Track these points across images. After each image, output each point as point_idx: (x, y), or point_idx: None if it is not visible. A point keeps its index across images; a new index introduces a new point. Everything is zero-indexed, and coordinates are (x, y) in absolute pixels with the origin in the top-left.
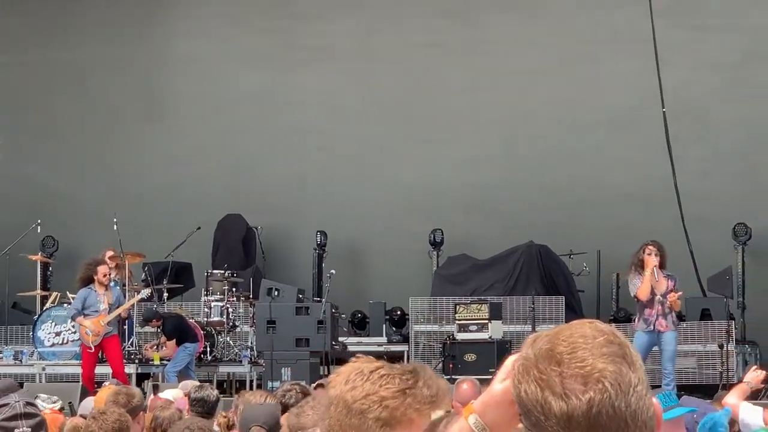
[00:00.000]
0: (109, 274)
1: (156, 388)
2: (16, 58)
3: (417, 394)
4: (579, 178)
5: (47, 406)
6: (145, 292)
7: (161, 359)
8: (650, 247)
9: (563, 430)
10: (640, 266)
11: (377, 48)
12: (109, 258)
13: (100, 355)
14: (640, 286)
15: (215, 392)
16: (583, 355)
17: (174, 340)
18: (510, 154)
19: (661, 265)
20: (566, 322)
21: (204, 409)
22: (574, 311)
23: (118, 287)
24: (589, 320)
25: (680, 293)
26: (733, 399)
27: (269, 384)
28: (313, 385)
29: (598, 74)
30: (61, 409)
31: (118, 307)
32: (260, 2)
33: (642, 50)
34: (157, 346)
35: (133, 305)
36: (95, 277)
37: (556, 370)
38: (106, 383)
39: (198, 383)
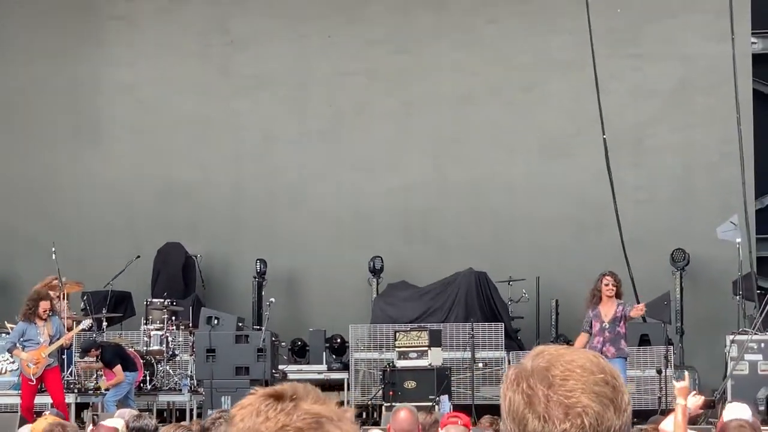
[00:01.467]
0: (50, 308)
1: (96, 418)
2: None
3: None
4: (515, 205)
5: None
6: (86, 323)
7: (98, 387)
8: (607, 278)
9: None
10: (599, 297)
11: (311, 75)
12: (50, 287)
13: (39, 385)
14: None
15: (153, 421)
16: (574, 385)
17: (119, 366)
18: (445, 181)
19: (617, 295)
20: (506, 348)
21: None
22: (510, 338)
23: (57, 318)
24: (596, 354)
25: (642, 305)
26: (668, 426)
27: (209, 413)
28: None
29: (532, 100)
30: None
31: (59, 338)
32: (195, 29)
33: (577, 77)
34: (97, 377)
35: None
36: (36, 311)
37: (544, 391)
38: (46, 413)
39: (136, 412)
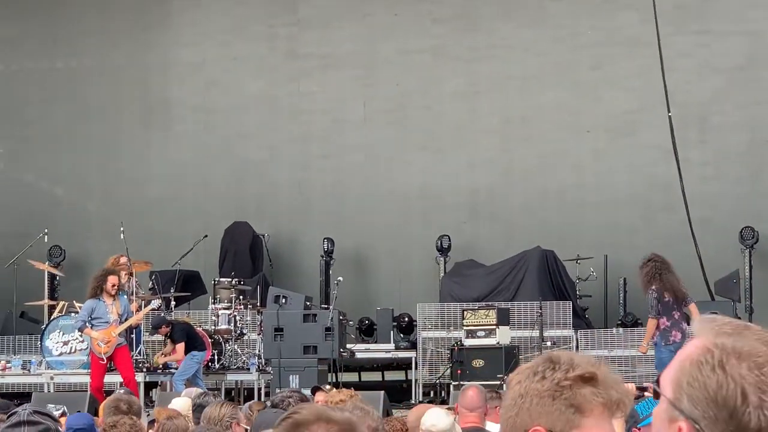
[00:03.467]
0: (118, 284)
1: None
2: (14, 66)
3: (600, 387)
4: (582, 183)
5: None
6: (156, 303)
7: (167, 365)
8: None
9: None
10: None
11: (378, 55)
12: (118, 266)
13: (108, 364)
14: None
15: (216, 399)
16: None
17: (183, 344)
18: (512, 159)
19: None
20: (574, 327)
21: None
22: (578, 316)
23: (125, 297)
24: None
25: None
26: None
27: (277, 391)
28: (310, 390)
29: (599, 79)
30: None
31: (127, 317)
32: (262, 10)
33: (642, 54)
34: (167, 354)
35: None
36: (104, 287)
37: (757, 376)
38: (119, 391)
39: (201, 391)
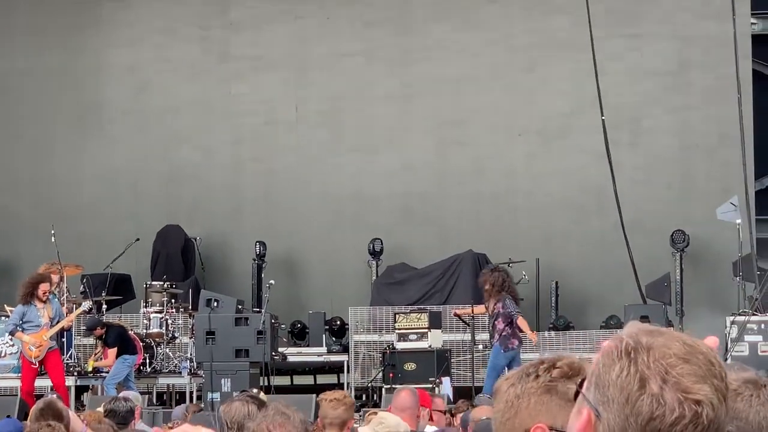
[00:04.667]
0: (49, 290)
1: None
2: None
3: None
4: (516, 187)
5: None
6: (87, 305)
7: (97, 369)
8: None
9: None
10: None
11: (310, 57)
12: (50, 270)
13: (40, 368)
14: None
15: (129, 404)
16: (696, 371)
17: (115, 349)
18: (446, 162)
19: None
20: None
21: (117, 420)
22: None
23: (56, 300)
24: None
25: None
26: None
27: (209, 395)
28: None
29: (531, 82)
30: None
31: (59, 321)
32: (195, 12)
33: (575, 58)
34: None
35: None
36: (35, 293)
37: (662, 371)
38: (48, 396)
39: (137, 394)
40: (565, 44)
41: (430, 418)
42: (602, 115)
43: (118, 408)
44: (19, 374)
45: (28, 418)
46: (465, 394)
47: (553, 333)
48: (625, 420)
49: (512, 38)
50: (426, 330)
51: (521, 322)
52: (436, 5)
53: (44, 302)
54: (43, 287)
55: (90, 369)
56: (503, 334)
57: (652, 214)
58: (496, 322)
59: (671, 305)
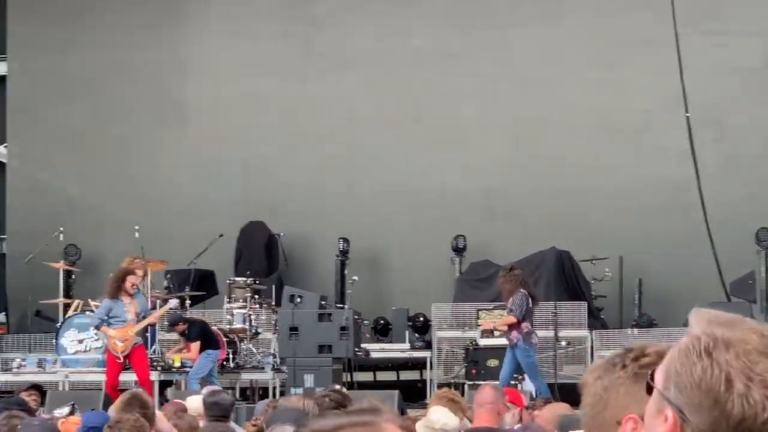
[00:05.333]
0: (136, 285)
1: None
2: (30, 64)
3: None
4: (596, 183)
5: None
6: (174, 302)
7: (182, 363)
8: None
9: None
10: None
11: (392, 54)
12: (136, 264)
13: (124, 363)
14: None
15: (230, 397)
16: None
17: (198, 343)
18: (527, 159)
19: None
20: (589, 327)
21: (219, 412)
22: (593, 317)
23: (142, 296)
24: None
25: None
26: None
27: (292, 391)
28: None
29: (613, 78)
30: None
31: (145, 317)
32: (277, 9)
33: (658, 55)
34: (180, 351)
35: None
36: (123, 287)
37: (746, 367)
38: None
39: (213, 388)
40: (648, 40)
41: (520, 419)
42: (686, 112)
43: (222, 401)
44: (104, 368)
45: (114, 408)
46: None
47: (636, 330)
48: (715, 422)
49: (593, 34)
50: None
51: (508, 319)
52: (516, 3)
53: (131, 296)
54: (131, 280)
55: (177, 364)
56: (525, 331)
57: (737, 211)
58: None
59: (756, 303)
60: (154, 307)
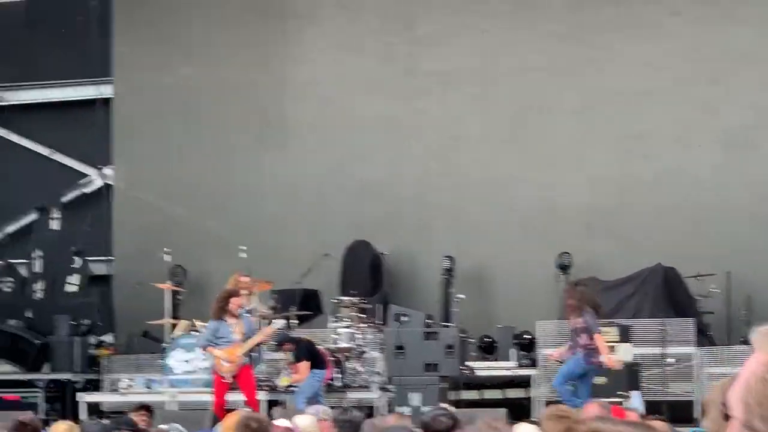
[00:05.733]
0: (241, 306)
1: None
2: (135, 86)
3: None
4: (700, 198)
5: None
6: (280, 322)
7: (290, 384)
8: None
9: None
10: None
11: (495, 71)
12: (241, 286)
13: (231, 383)
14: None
15: (361, 413)
16: None
17: (307, 363)
18: (631, 176)
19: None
20: (697, 344)
21: (352, 430)
22: (701, 333)
23: (249, 316)
24: None
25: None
26: None
27: (398, 410)
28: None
29: (715, 94)
30: None
31: (250, 337)
32: (379, 27)
33: (761, 70)
34: (287, 372)
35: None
36: (227, 308)
37: None
38: (239, 410)
39: (328, 408)
40: (750, 56)
41: None
42: None
43: (354, 418)
44: (212, 389)
45: (227, 429)
46: (655, 409)
47: (745, 347)
48: None
49: (695, 50)
50: (616, 343)
51: (598, 339)
52: (620, 18)
53: (236, 317)
54: (235, 302)
55: (284, 385)
56: (589, 347)
57: None
58: (578, 338)
59: None
60: (260, 327)
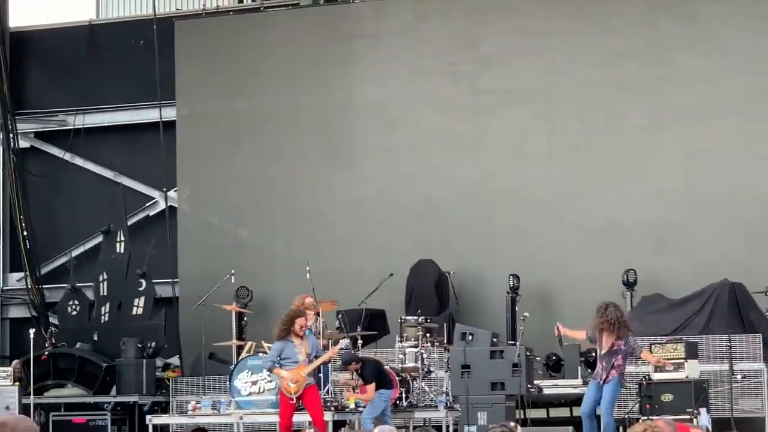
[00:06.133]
0: (305, 326)
1: None
2: (198, 109)
3: None
4: (767, 214)
5: None
6: (345, 342)
7: (356, 403)
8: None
9: None
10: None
11: (560, 89)
12: (305, 306)
13: (298, 404)
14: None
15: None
16: None
17: (373, 384)
18: (697, 191)
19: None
20: (765, 360)
21: None
22: None
23: (313, 336)
24: None
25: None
26: None
27: (465, 429)
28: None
29: None
30: None
31: (316, 357)
32: (443, 47)
33: None
34: (353, 389)
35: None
36: (292, 329)
37: None
38: (306, 431)
39: (393, 428)
40: None
41: None
42: None
43: None
44: (278, 410)
45: None
46: (723, 426)
47: None
48: None
49: (762, 65)
50: (683, 360)
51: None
52: (684, 34)
53: (301, 338)
54: (300, 322)
55: (351, 405)
56: (622, 370)
57: None
58: (614, 359)
59: None
60: (326, 348)
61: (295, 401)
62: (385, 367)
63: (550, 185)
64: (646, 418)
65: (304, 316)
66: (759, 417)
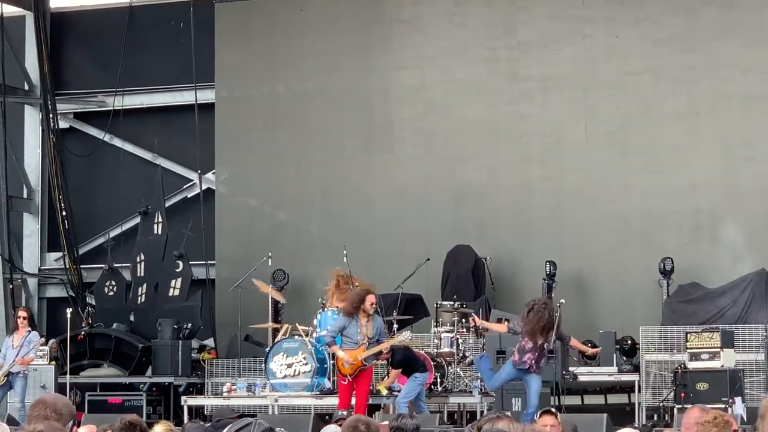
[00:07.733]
0: (375, 303)
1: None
2: (237, 92)
3: None
4: None
5: None
6: (406, 335)
7: (391, 387)
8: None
9: None
10: None
11: (597, 76)
12: (343, 277)
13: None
14: None
15: (414, 421)
16: None
17: (398, 370)
18: (734, 180)
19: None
20: None
21: None
22: None
23: (380, 318)
24: None
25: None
26: None
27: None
28: (540, 411)
29: None
30: None
31: (378, 341)
32: (481, 33)
33: None
34: (382, 378)
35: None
36: (362, 306)
37: None
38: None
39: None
40: None
41: None
42: None
43: (404, 425)
44: (312, 392)
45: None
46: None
47: None
48: None
49: None
50: (718, 349)
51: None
52: (722, 22)
53: (369, 317)
54: (371, 299)
55: (384, 392)
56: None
57: None
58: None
59: None
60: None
61: (347, 382)
62: (419, 351)
63: (587, 172)
64: (681, 406)
65: (374, 294)
66: None
